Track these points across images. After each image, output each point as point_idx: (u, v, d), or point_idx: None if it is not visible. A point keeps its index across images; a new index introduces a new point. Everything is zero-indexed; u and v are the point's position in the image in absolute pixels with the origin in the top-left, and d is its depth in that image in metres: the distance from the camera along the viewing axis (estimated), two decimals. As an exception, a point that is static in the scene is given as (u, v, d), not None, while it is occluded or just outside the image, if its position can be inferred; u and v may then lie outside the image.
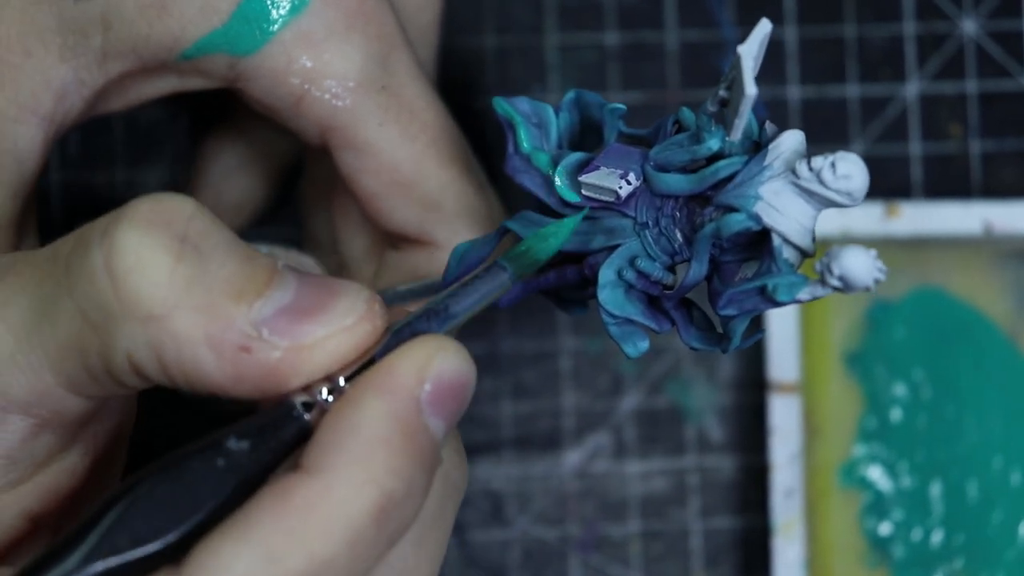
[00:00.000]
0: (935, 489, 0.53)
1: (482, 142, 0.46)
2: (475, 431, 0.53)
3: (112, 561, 0.30)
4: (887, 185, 0.54)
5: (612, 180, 0.35)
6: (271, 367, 0.31)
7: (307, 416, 0.31)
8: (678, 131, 0.36)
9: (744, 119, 0.33)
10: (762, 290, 0.33)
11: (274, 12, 0.39)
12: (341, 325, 0.31)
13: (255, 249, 0.32)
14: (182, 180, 0.51)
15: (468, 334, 0.54)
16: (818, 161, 0.32)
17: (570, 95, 0.38)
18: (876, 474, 0.53)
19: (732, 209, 0.33)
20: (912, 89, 0.54)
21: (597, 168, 0.35)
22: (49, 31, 0.38)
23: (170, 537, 0.30)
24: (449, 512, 0.34)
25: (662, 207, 0.35)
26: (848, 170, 0.32)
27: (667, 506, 0.53)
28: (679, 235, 0.35)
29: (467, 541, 0.53)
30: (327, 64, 0.39)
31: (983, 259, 0.53)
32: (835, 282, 0.31)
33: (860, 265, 0.31)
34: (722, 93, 0.34)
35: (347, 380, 0.32)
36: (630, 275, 0.35)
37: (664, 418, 0.53)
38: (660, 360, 0.53)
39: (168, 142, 0.52)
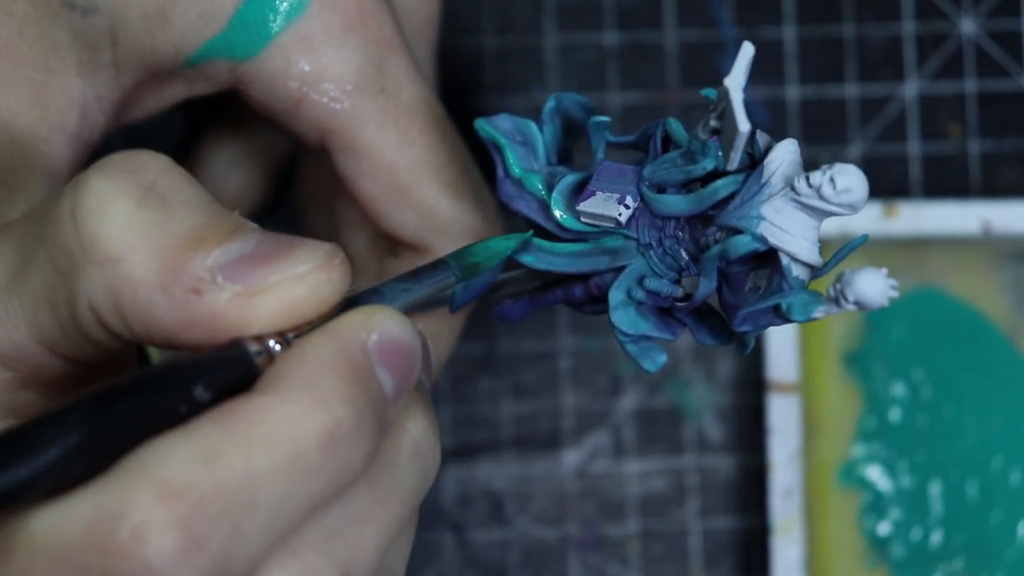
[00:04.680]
0: (934, 489, 0.53)
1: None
2: (475, 431, 0.53)
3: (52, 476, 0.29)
4: (886, 185, 0.54)
5: (611, 207, 0.35)
6: (219, 310, 0.30)
7: (257, 361, 0.31)
8: (666, 142, 0.36)
9: (740, 152, 0.33)
10: (776, 308, 0.33)
11: (271, 16, 0.39)
12: (295, 272, 0.31)
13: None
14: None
15: (468, 335, 0.54)
16: (816, 177, 0.32)
17: (550, 104, 0.37)
18: (875, 474, 0.53)
19: (736, 230, 0.33)
20: (911, 89, 0.54)
21: (593, 193, 0.35)
22: (65, 47, 0.39)
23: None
24: (414, 475, 0.33)
25: (663, 227, 0.35)
26: (848, 183, 0.32)
27: (666, 506, 0.53)
28: (684, 254, 0.35)
29: (467, 541, 0.53)
30: (325, 67, 0.39)
31: (982, 259, 0.53)
32: (850, 306, 0.32)
33: (873, 288, 0.31)
34: (713, 123, 0.34)
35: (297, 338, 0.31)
36: (639, 294, 0.35)
37: (663, 418, 0.53)
38: (659, 360, 0.53)
39: (164, 141, 0.52)
